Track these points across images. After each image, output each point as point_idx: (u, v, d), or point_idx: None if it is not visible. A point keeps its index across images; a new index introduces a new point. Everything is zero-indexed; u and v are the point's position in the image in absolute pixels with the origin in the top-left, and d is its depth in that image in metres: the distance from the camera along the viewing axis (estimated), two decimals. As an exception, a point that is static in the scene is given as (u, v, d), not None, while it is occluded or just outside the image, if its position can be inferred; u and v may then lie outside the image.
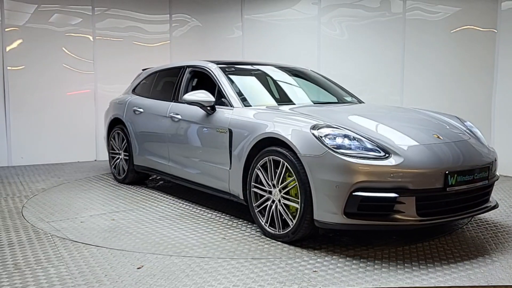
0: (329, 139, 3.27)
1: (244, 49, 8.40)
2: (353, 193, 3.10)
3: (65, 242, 3.52)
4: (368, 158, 3.16)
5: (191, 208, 4.57)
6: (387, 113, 4.31)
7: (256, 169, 3.70)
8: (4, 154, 7.09)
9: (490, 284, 2.78)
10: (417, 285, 2.76)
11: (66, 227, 3.90)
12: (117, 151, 5.89)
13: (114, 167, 5.97)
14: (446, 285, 2.77)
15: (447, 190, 3.18)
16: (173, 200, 4.92)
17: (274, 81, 4.98)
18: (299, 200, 3.34)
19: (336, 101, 4.92)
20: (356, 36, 7.55)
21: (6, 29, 7.02)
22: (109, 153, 6.11)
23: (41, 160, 7.27)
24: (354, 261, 3.13)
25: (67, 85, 7.46)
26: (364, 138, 3.30)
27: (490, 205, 3.62)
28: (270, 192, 3.60)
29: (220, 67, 4.69)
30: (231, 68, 4.79)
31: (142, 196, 5.11)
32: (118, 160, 5.87)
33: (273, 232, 3.58)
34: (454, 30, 6.64)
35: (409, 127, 3.69)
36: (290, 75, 5.12)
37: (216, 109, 4.31)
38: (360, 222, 3.15)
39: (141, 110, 5.44)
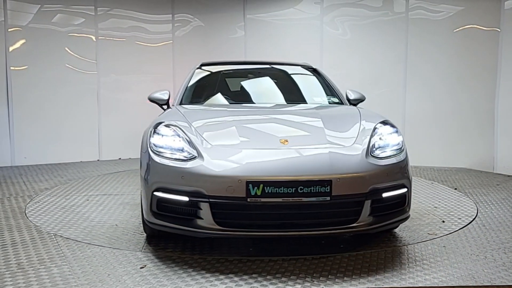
0: (157, 137, 3.28)
1: (247, 48, 8.40)
2: (154, 193, 3.09)
3: (68, 241, 3.53)
4: (171, 159, 3.10)
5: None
6: (276, 115, 3.96)
7: None
8: (7, 154, 7.11)
9: (494, 284, 2.77)
10: (420, 285, 2.76)
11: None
12: None
13: None
14: (449, 284, 2.76)
15: (247, 201, 2.88)
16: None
17: (247, 81, 4.87)
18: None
19: (299, 101, 4.52)
20: (359, 36, 7.54)
21: (9, 29, 7.04)
22: None
23: (44, 160, 7.29)
24: (356, 261, 3.13)
25: (69, 85, 7.48)
26: (187, 139, 3.19)
27: (354, 227, 3.02)
28: None
29: (200, 67, 4.77)
30: (209, 68, 4.86)
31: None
32: None
33: None
34: (457, 30, 6.63)
35: (265, 130, 3.43)
36: (278, 75, 4.99)
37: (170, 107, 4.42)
38: (165, 223, 3.10)
39: None
